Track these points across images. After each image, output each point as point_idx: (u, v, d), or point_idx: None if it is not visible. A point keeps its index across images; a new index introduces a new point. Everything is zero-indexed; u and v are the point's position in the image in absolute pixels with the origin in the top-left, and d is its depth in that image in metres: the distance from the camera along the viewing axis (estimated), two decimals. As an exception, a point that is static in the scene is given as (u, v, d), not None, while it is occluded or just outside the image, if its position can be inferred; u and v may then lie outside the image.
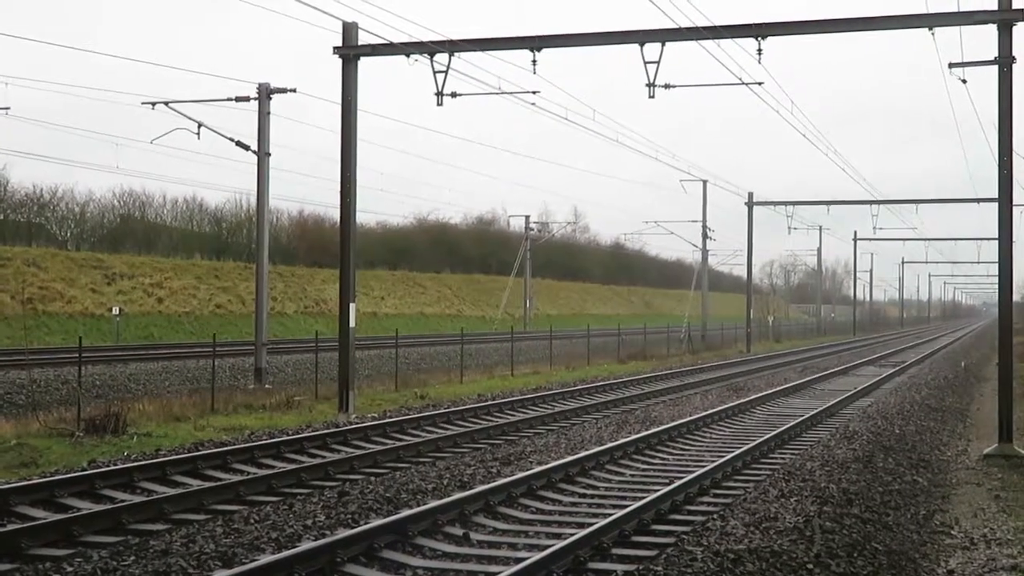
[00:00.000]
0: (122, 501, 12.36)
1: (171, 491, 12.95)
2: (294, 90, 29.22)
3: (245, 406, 22.84)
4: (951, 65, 20.54)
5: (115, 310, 46.42)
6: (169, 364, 31.11)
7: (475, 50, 22.20)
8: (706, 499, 13.30)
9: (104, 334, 46.27)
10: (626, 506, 12.00)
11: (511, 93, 23.84)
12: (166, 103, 29.55)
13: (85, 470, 13.90)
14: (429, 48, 21.78)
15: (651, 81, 21.26)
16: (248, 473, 14.54)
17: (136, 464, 14.12)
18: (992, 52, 19.09)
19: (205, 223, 70.48)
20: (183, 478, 14.04)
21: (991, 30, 19.00)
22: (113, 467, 14.00)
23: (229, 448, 15.75)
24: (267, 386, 27.58)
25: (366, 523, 11.03)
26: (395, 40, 21.97)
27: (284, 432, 18.35)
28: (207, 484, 13.40)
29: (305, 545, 9.79)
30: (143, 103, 29.91)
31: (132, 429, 18.48)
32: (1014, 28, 18.81)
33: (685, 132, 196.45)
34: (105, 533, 10.96)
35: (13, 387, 25.54)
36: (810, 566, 9.58)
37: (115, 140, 54.19)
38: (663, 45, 20.81)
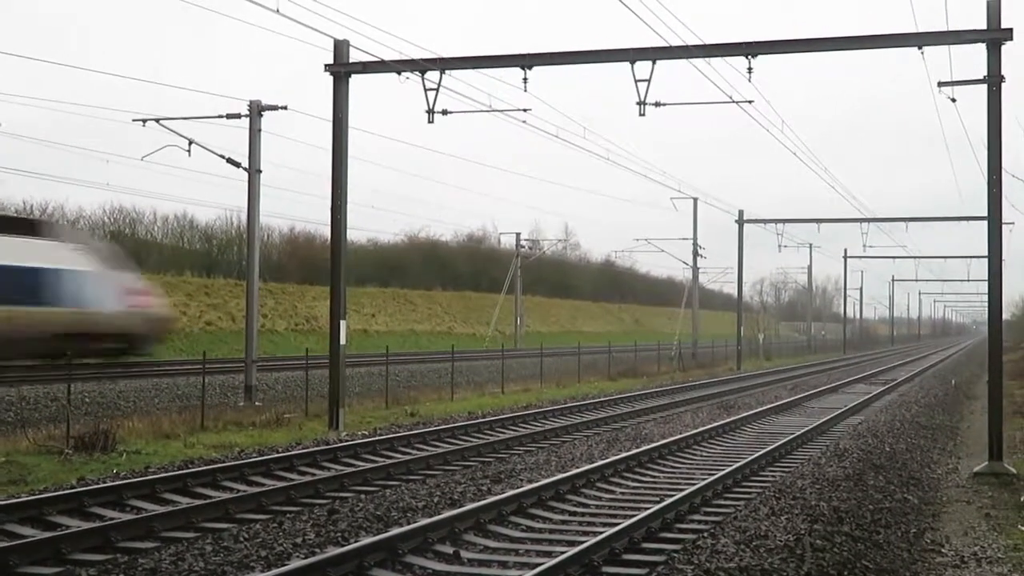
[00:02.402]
0: (111, 519, 12.32)
1: (160, 509, 12.91)
2: (285, 107, 29.23)
3: (235, 423, 22.78)
4: (940, 84, 20.65)
5: (105, 327, 46.21)
6: (159, 381, 31.01)
7: (466, 68, 22.24)
8: (696, 517, 13.29)
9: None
10: (616, 524, 11.98)
11: (502, 111, 23.90)
12: (157, 120, 29.55)
13: (74, 487, 13.85)
14: (420, 66, 21.82)
15: (642, 99, 21.32)
16: (238, 491, 14.50)
17: (125, 482, 14.09)
18: (981, 71, 19.19)
19: (196, 240, 70.39)
20: (172, 496, 14.00)
21: (980, 49, 19.10)
22: (102, 484, 13.95)
23: (219, 466, 15.72)
24: (257, 403, 27.51)
25: (356, 541, 11.00)
26: (386, 58, 22.00)
27: (274, 450, 18.31)
28: (196, 502, 13.37)
29: (295, 563, 9.76)
30: (134, 120, 29.93)
31: (121, 446, 18.43)
32: (1003, 47, 18.91)
33: (676, 150, 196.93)
34: (94, 551, 10.92)
35: (2, 404, 25.42)
36: (801, 584, 9.57)
37: (105, 157, 54.09)
38: (654, 63, 20.87)
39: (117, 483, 13.97)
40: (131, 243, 64.95)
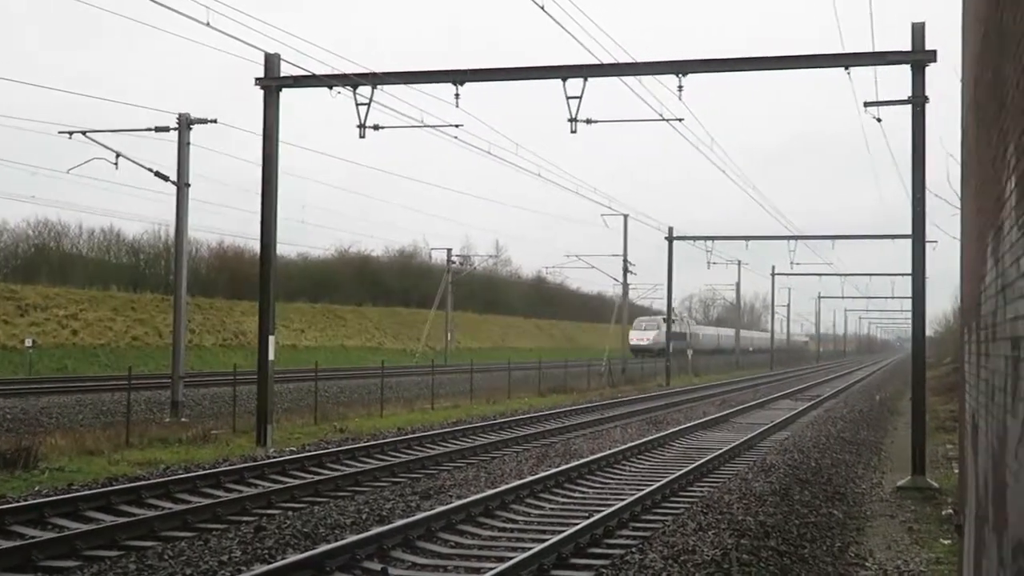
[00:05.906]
0: (32, 537, 12.07)
1: (83, 527, 12.69)
2: (215, 121, 28.96)
3: (161, 440, 22.47)
4: (866, 104, 20.99)
5: (28, 342, 45.46)
6: (83, 397, 30.52)
7: (398, 83, 22.21)
8: (625, 532, 13.34)
9: (16, 366, 45.33)
10: (545, 540, 11.98)
11: (434, 126, 23.88)
12: (84, 132, 29.12)
13: (-7, 506, 13.57)
14: (352, 80, 21.75)
15: (573, 116, 21.43)
16: (163, 508, 14.29)
17: (47, 499, 13.83)
18: (906, 92, 19.55)
19: (122, 254, 69.51)
20: (96, 514, 13.77)
21: (905, 70, 19.47)
22: (23, 503, 13.69)
23: (143, 483, 15.51)
24: (183, 419, 27.16)
25: (283, 559, 10.90)
26: (318, 72, 21.90)
27: (200, 466, 18.09)
28: (120, 520, 13.17)
29: (220, 581, 9.64)
30: (60, 132, 29.44)
31: (44, 463, 18.10)
32: (927, 68, 19.28)
33: (607, 167, 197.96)
34: (14, 571, 10.70)
35: (-80, 420, 24.86)
36: (728, 599, 9.62)
37: (31, 169, 53.19)
38: (585, 80, 20.99)
39: (38, 501, 13.71)
40: (56, 257, 64.02)
